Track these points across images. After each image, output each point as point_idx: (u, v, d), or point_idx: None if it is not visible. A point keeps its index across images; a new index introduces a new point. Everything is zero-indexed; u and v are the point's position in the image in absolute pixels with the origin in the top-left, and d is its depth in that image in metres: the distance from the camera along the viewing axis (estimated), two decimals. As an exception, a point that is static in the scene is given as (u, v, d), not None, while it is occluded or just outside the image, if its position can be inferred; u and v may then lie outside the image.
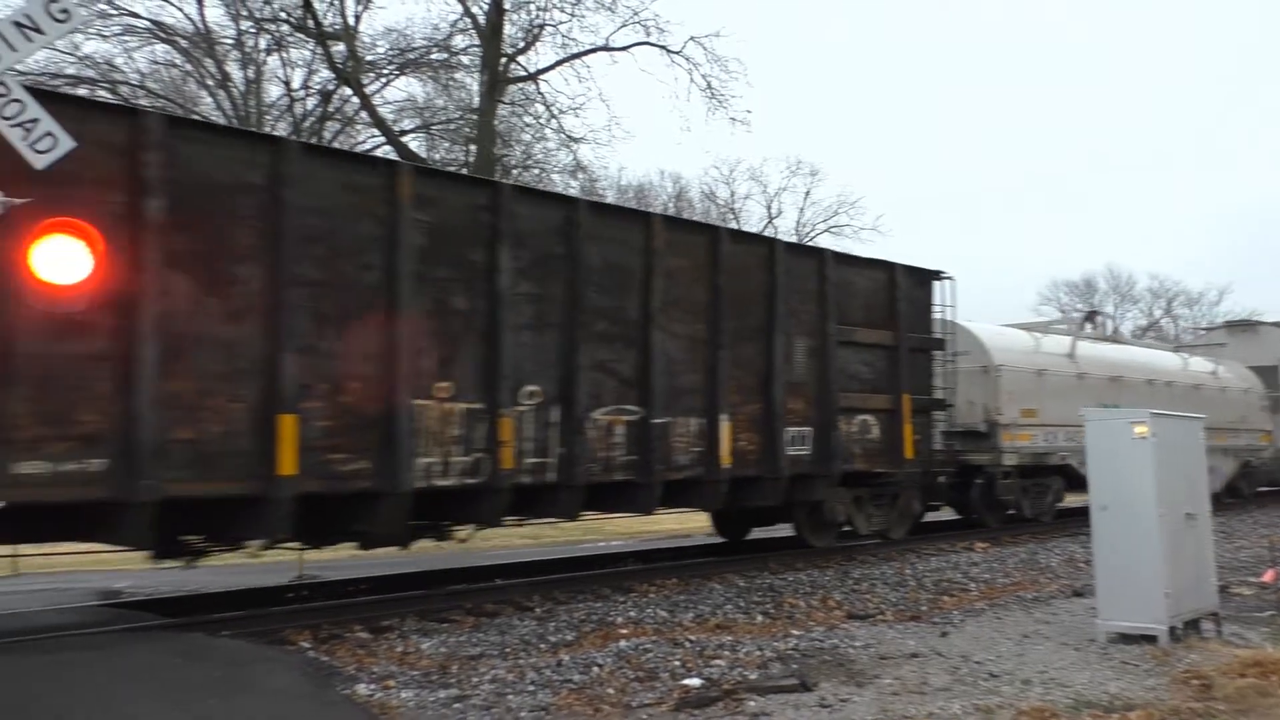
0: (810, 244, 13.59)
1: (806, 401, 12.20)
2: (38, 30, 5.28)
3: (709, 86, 27.96)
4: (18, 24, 5.17)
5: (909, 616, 9.76)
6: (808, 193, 50.52)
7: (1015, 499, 16.60)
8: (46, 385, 7.02)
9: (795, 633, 8.85)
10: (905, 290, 13.53)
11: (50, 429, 7.04)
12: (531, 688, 7.01)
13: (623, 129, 42.95)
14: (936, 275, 14.32)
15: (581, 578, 11.62)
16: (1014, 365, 16.82)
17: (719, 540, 14.97)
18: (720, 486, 11.26)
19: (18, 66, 5.38)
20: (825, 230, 47.67)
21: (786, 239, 12.64)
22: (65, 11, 5.37)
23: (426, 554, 13.76)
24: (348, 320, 8.47)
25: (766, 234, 13.10)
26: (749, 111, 41.87)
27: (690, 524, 18.82)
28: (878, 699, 6.73)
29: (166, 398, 7.45)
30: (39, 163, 5.38)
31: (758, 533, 14.79)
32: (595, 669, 7.46)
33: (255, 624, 8.68)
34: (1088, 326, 21.78)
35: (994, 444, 16.19)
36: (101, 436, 7.24)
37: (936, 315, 14.30)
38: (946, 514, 17.42)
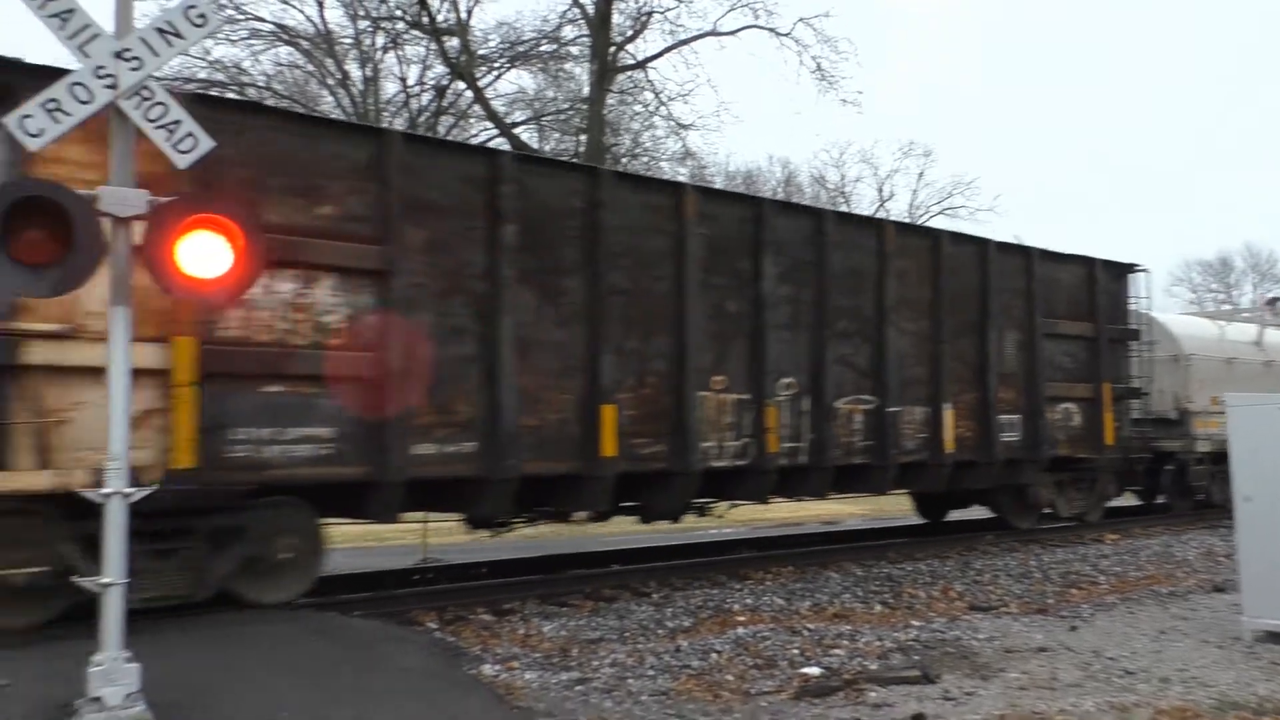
0: (1018, 242, 15.68)
1: (1016, 391, 14.42)
2: (178, 35, 5.77)
3: (819, 68, 30.09)
4: (160, 30, 5.77)
5: (1034, 609, 10.26)
6: (921, 174, 52.51)
7: (1206, 485, 18.51)
8: (435, 381, 9.56)
9: (915, 623, 9.35)
10: (1103, 284, 15.69)
11: (438, 417, 9.60)
12: (651, 672, 7.61)
13: (731, 114, 45.57)
14: (1131, 268, 16.47)
15: (697, 564, 12.79)
16: (1203, 354, 18.81)
17: (833, 528, 16.64)
18: (943, 470, 13.55)
19: (157, 72, 5.78)
20: (940, 212, 49.53)
21: (997, 239, 14.82)
22: (202, 16, 5.83)
23: (544, 539, 15.27)
24: (646, 323, 10.92)
25: (981, 235, 15.25)
26: (860, 92, 44.09)
27: (801, 513, 20.36)
28: (1004, 693, 6.96)
29: (519, 391, 9.95)
30: (181, 162, 5.67)
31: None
32: (713, 655, 8.05)
33: (384, 605, 9.89)
34: (1268, 313, 23.45)
35: (1186, 431, 18.21)
36: (473, 423, 9.77)
37: (1131, 307, 16.39)
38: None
